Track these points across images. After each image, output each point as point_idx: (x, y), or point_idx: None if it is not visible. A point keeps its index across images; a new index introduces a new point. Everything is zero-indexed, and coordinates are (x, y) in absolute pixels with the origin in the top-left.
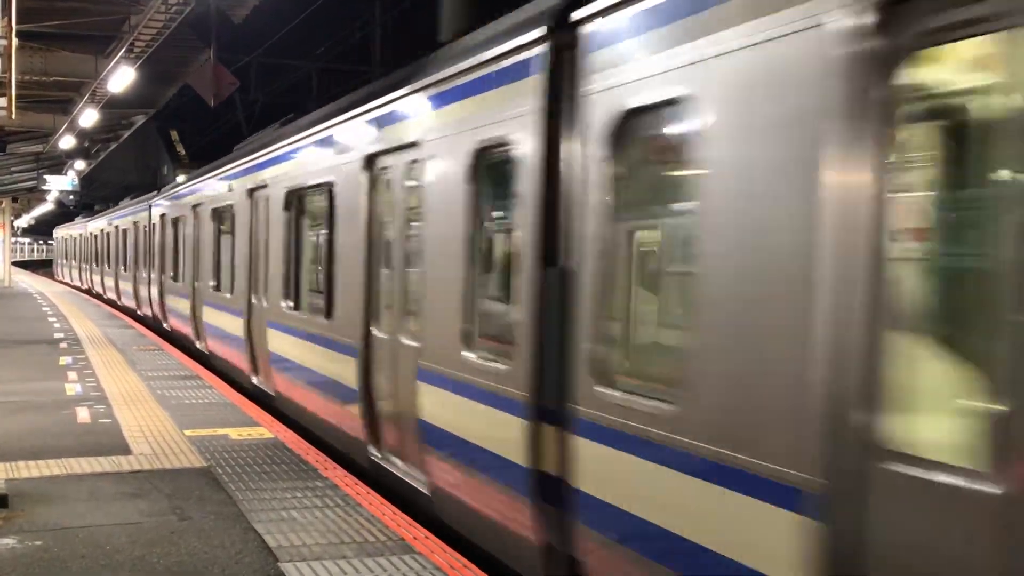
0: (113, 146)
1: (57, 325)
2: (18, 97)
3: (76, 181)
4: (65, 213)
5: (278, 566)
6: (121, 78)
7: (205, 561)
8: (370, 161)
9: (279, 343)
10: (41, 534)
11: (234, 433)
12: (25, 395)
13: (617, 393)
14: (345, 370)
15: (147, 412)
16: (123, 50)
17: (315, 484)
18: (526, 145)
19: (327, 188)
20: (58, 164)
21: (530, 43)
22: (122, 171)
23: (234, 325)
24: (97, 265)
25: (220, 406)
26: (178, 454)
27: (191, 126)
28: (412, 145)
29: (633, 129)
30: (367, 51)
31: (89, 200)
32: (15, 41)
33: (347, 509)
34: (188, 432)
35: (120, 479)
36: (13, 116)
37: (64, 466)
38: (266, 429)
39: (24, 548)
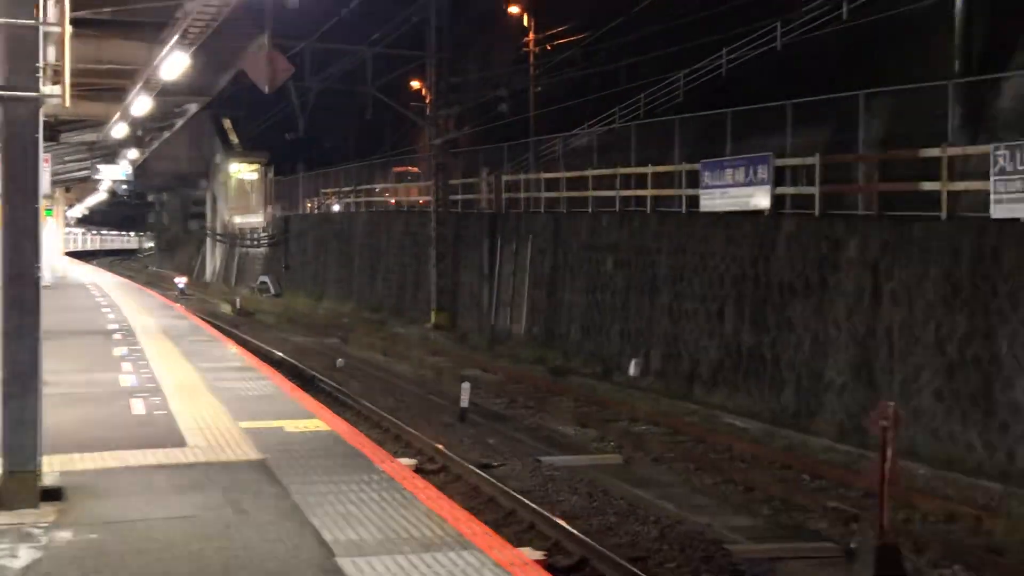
0: (166, 135)
1: (112, 316)
2: (72, 85)
3: (130, 171)
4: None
5: (335, 561)
6: (175, 65)
7: (261, 555)
8: None
9: None
10: (96, 527)
11: (289, 425)
12: (80, 386)
13: None
14: None
15: (202, 404)
16: (177, 36)
17: (371, 478)
18: None
19: None
20: (111, 153)
21: None
22: (175, 160)
23: None
24: None
25: (275, 398)
26: (233, 446)
27: (244, 114)
28: None
29: None
30: (421, 36)
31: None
32: (69, 28)
33: (404, 503)
34: (243, 424)
35: (175, 472)
36: (67, 104)
37: (119, 458)
38: (321, 422)
39: (80, 541)
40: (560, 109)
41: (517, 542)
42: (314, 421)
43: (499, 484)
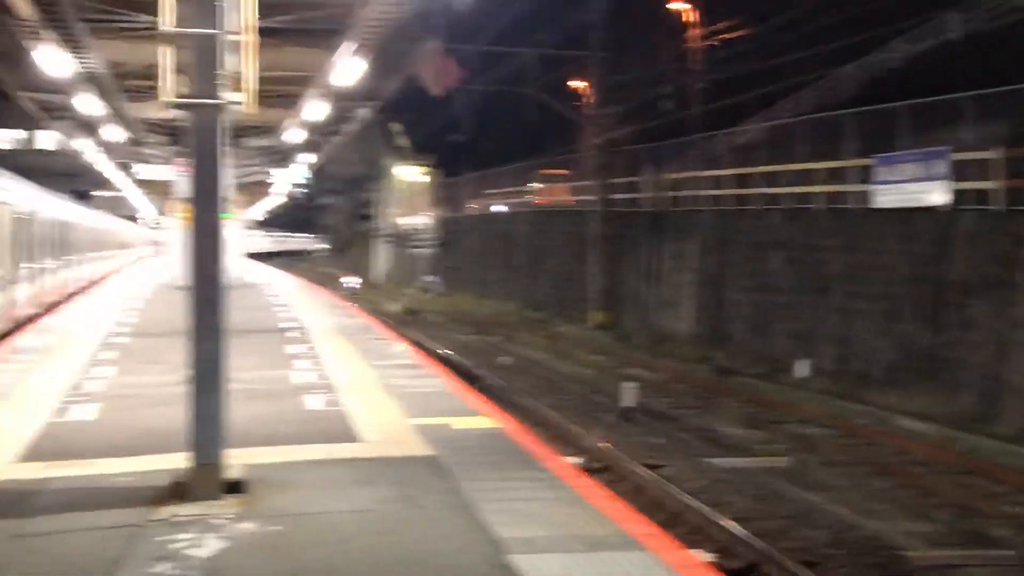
0: (339, 139)
1: (288, 315)
2: (253, 92)
3: (305, 174)
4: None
5: (505, 557)
6: (348, 71)
7: (433, 550)
8: None
9: None
10: (279, 519)
11: (457, 422)
12: (259, 383)
13: None
14: None
15: (373, 400)
16: (351, 43)
17: (538, 475)
18: None
19: None
20: (287, 158)
21: None
22: (346, 163)
23: None
24: None
25: (444, 395)
26: (404, 442)
27: (412, 118)
28: None
29: None
30: (583, 35)
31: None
32: (252, 37)
33: (571, 502)
34: (413, 420)
35: (350, 466)
36: (250, 111)
37: (297, 453)
38: (488, 419)
39: (262, 533)
40: (724, 105)
41: (685, 544)
42: (481, 418)
43: (665, 484)
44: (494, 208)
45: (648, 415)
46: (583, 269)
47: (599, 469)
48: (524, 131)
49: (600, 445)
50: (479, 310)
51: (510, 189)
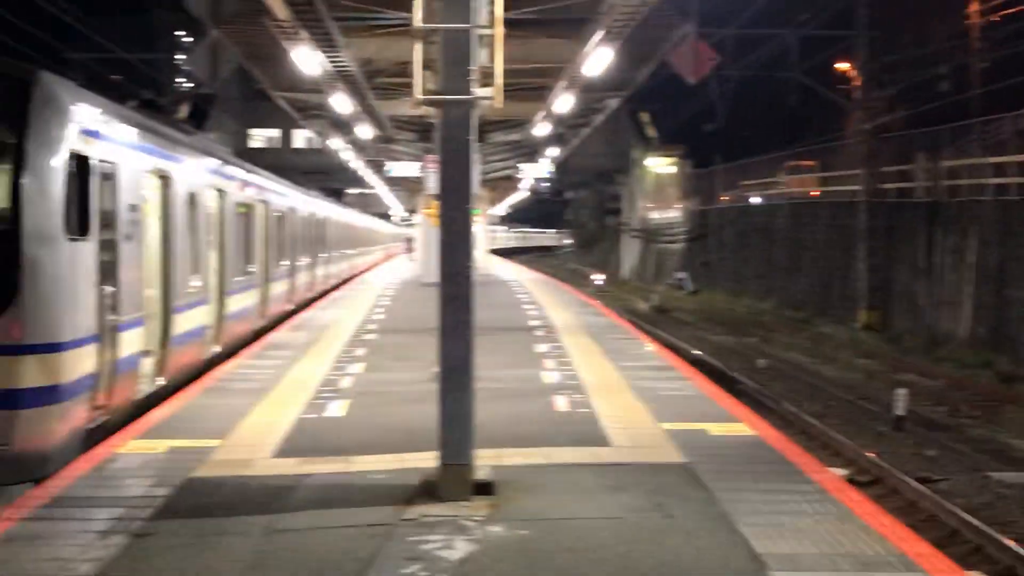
0: (586, 132)
1: (534, 313)
2: (502, 86)
3: (550, 168)
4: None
5: (768, 574)
6: (598, 61)
7: (690, 563)
8: None
9: None
10: (527, 523)
11: (713, 428)
12: (505, 382)
13: None
14: None
15: (623, 402)
16: (600, 32)
17: (802, 488)
18: None
19: None
20: (533, 152)
21: None
22: (593, 156)
23: None
24: None
25: (697, 399)
26: (656, 448)
27: (661, 107)
28: None
29: None
30: (849, 16)
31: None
32: (501, 30)
33: (838, 517)
34: (665, 425)
35: (600, 471)
36: (498, 106)
37: (545, 455)
38: (745, 425)
39: (512, 536)
40: (1010, 86)
41: (961, 566)
42: (737, 424)
43: (941, 500)
44: (752, 200)
45: (921, 424)
46: (850, 265)
47: (867, 482)
48: (783, 118)
49: (869, 456)
50: (733, 309)
51: (767, 180)
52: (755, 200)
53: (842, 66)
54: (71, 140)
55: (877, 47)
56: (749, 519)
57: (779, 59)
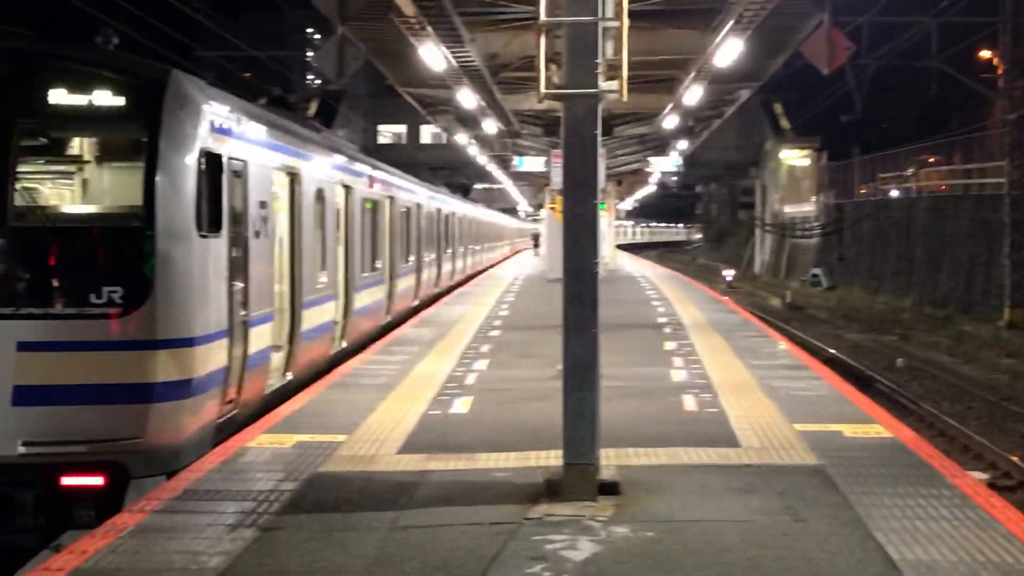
0: (716, 124)
1: (661, 309)
2: (627, 79)
3: (679, 162)
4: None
5: None
6: (728, 52)
7: (821, 568)
8: None
9: None
10: (652, 525)
11: (848, 430)
12: (631, 380)
13: None
14: None
15: (753, 402)
16: (731, 21)
17: (940, 492)
18: None
19: None
20: (661, 145)
21: None
22: (723, 149)
23: None
24: None
25: (831, 399)
26: (788, 449)
27: (795, 97)
28: None
29: None
30: (993, 1)
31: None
32: (626, 22)
33: (979, 523)
34: (798, 426)
35: (729, 472)
36: (624, 99)
37: (672, 455)
38: (882, 427)
39: (637, 538)
40: None
41: None
42: (874, 426)
43: None
44: (891, 193)
45: None
46: (992, 261)
47: (1010, 487)
48: (927, 108)
49: (1012, 459)
50: (870, 306)
51: (905, 172)
52: (893, 193)
53: (985, 54)
54: (203, 138)
55: (1022, 34)
56: (884, 523)
57: (919, 47)
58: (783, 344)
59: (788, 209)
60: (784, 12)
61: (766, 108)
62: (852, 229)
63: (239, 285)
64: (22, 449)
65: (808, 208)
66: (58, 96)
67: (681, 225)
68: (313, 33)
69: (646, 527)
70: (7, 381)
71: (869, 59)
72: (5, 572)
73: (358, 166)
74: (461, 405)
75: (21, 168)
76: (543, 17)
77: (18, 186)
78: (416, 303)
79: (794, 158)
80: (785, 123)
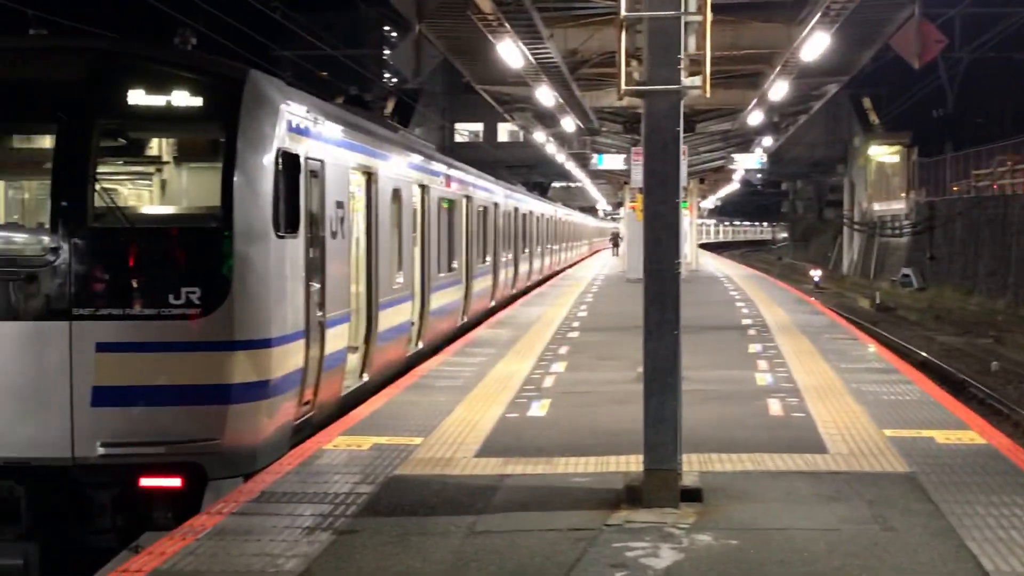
0: (802, 119)
1: (745, 311)
2: (710, 75)
3: (763, 159)
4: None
5: None
6: (815, 46)
7: None
8: None
9: None
10: (736, 533)
11: (940, 436)
12: (715, 383)
13: None
14: None
15: (841, 407)
16: (818, 15)
17: None
18: None
19: None
20: (745, 142)
21: None
22: (809, 146)
23: None
24: None
25: (922, 404)
26: (877, 456)
27: (884, 92)
28: None
29: None
30: None
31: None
32: (710, 16)
33: None
34: (888, 432)
35: (816, 479)
36: (708, 94)
37: (756, 461)
38: (976, 433)
39: (720, 547)
40: None
41: None
42: (967, 432)
43: None
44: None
45: None
46: None
47: None
48: (1020, 102)
49: None
50: (965, 307)
51: (1001, 168)
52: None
53: None
54: (280, 138)
55: None
56: (977, 533)
57: (1014, 39)
58: (872, 347)
59: (877, 207)
60: (873, 4)
61: (854, 103)
62: (944, 228)
63: (316, 286)
64: (101, 450)
65: (898, 206)
66: (137, 97)
67: (765, 224)
68: (390, 31)
69: (730, 535)
70: (86, 382)
71: (962, 52)
72: (85, 572)
73: (435, 165)
74: (539, 408)
75: (100, 169)
76: (624, 12)
77: (97, 187)
78: (493, 304)
79: (884, 154)
80: (874, 118)
